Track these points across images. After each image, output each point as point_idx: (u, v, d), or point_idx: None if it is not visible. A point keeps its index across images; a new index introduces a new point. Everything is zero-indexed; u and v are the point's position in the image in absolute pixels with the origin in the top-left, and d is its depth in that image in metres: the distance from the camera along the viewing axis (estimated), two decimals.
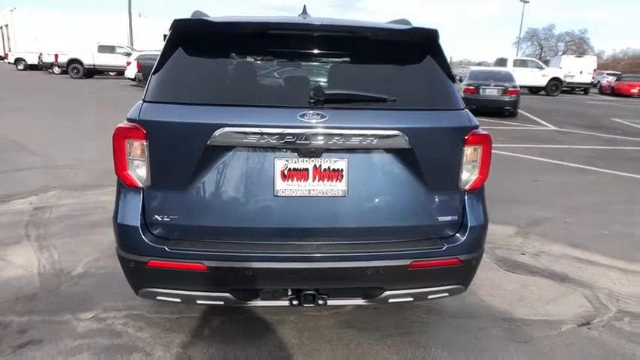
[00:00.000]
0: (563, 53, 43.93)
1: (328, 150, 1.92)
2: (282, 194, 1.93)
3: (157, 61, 2.05)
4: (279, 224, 1.97)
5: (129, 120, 1.93)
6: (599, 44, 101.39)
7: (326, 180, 1.93)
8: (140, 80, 18.29)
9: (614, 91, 27.95)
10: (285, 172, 1.92)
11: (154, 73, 2.00)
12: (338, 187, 1.95)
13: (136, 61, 18.36)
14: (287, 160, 1.93)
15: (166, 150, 1.91)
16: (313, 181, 1.93)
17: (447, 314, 2.81)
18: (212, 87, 1.98)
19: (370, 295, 2.06)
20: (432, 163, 1.99)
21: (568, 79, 25.16)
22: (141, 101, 2.03)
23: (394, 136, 1.91)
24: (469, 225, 2.07)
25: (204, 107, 1.91)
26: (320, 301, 2.00)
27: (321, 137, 1.87)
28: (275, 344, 2.46)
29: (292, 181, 1.92)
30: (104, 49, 23.90)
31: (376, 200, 2.01)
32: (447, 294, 2.15)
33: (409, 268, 1.97)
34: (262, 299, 2.03)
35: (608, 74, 32.93)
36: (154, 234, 1.95)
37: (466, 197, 2.10)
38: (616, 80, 29.29)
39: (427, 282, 2.06)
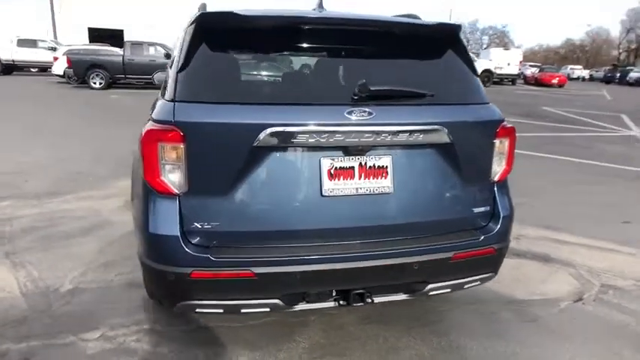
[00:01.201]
0: (488, 46, 46.62)
1: (374, 147, 1.90)
2: (330, 194, 1.89)
3: (180, 56, 1.92)
4: (327, 225, 1.93)
5: (159, 121, 1.79)
6: (517, 38, 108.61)
7: (372, 177, 1.92)
8: (70, 77, 16.95)
9: (537, 82, 30.22)
10: (332, 172, 1.88)
11: (181, 70, 1.86)
12: (383, 184, 1.94)
13: (65, 57, 16.96)
14: (333, 159, 1.88)
15: (206, 153, 1.79)
16: (359, 179, 1.90)
17: (458, 302, 2.90)
18: (251, 85, 1.89)
19: (413, 289, 2.08)
20: (469, 156, 2.04)
21: (498, 71, 26.76)
22: (165, 101, 1.89)
23: (437, 130, 1.93)
24: (501, 215, 2.15)
25: (248, 106, 1.81)
26: (368, 300, 1.99)
27: (368, 134, 1.85)
28: (304, 346, 2.41)
29: (339, 180, 1.88)
30: (24, 43, 21.67)
31: (420, 195, 2.02)
32: (479, 282, 2.23)
33: (452, 260, 2.01)
34: (308, 302, 1.98)
35: (530, 66, 35.49)
36: (194, 243, 1.82)
37: (495, 188, 2.18)
38: (539, 71, 31.69)
39: (466, 272, 2.12)
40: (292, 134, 1.79)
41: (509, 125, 2.14)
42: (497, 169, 2.15)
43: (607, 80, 37.87)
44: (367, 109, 1.85)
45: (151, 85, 17.52)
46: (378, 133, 1.86)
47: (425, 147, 1.98)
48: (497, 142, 2.10)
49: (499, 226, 2.13)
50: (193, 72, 1.87)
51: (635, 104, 18.20)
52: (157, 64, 16.98)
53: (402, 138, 1.90)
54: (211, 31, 1.91)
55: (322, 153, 1.87)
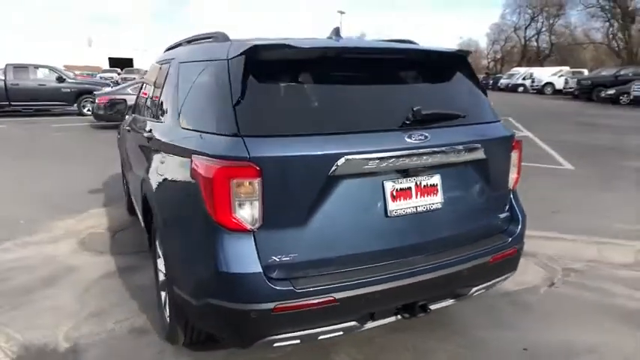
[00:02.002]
0: None
1: (427, 167, 2.05)
2: (394, 214, 1.99)
3: (230, 90, 1.89)
4: (394, 243, 2.02)
5: (229, 158, 1.75)
6: None
7: (425, 195, 2.06)
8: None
9: None
10: (394, 193, 1.98)
11: (237, 104, 1.84)
12: (435, 201, 2.09)
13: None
14: (394, 182, 1.99)
15: (282, 186, 1.79)
16: (416, 198, 2.03)
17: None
18: (315, 115, 1.92)
19: (460, 294, 2.25)
20: (496, 168, 2.29)
21: None
22: (217, 135, 1.84)
23: (477, 148, 2.14)
24: (519, 218, 2.43)
25: (320, 137, 1.85)
26: (428, 310, 2.11)
27: (426, 156, 2.00)
28: None
29: (400, 200, 2.00)
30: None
31: (462, 207, 2.21)
32: (504, 280, 2.47)
33: (490, 263, 2.23)
34: (375, 320, 2.05)
35: None
36: (274, 277, 1.80)
37: (511, 195, 2.46)
38: None
39: (498, 272, 2.35)
40: (363, 161, 1.87)
41: (518, 139, 2.43)
42: (512, 178, 2.43)
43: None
44: (424, 133, 2.00)
45: (43, 113, 15.92)
46: (432, 154, 2.01)
47: (466, 164, 2.18)
48: (512, 154, 2.38)
49: (519, 228, 2.41)
50: (253, 105, 1.85)
51: (514, 108, 20.66)
52: (47, 88, 15.50)
53: (450, 157, 2.08)
54: (267, 63, 1.92)
55: (385, 176, 1.97)
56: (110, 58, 49.99)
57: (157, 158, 2.50)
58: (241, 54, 1.90)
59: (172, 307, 2.31)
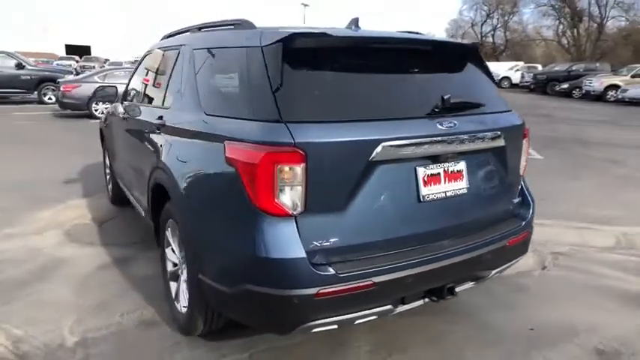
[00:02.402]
0: None
1: (455, 153, 2.10)
2: (426, 199, 2.03)
3: (267, 77, 1.86)
4: (426, 227, 2.06)
5: (274, 144, 1.73)
6: None
7: (452, 181, 2.11)
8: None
9: None
10: (425, 179, 2.02)
11: (276, 91, 1.82)
12: (461, 186, 2.14)
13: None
14: (425, 167, 2.03)
15: (325, 171, 1.78)
16: (445, 183, 2.08)
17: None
18: (352, 102, 1.92)
19: (480, 276, 2.32)
20: (511, 155, 2.37)
21: None
22: (267, 123, 1.80)
23: (498, 136, 2.21)
24: (530, 202, 2.54)
25: (361, 123, 1.86)
26: (455, 293, 2.18)
27: (455, 142, 2.05)
28: (367, 349, 2.49)
29: (431, 186, 2.04)
30: None
31: (484, 192, 2.28)
32: (516, 262, 2.57)
33: (507, 246, 2.31)
34: (405, 303, 2.09)
35: None
36: (316, 262, 1.80)
37: (522, 181, 2.56)
38: None
39: (513, 255, 2.44)
40: (401, 147, 1.90)
41: (527, 127, 2.53)
42: (523, 164, 2.52)
43: None
44: (453, 120, 2.05)
45: (1, 101, 15.00)
46: (461, 140, 2.07)
47: (488, 151, 2.25)
48: (524, 141, 2.47)
49: (530, 212, 2.51)
50: (293, 91, 1.84)
51: None
52: (4, 75, 14.63)
53: (475, 144, 2.14)
54: (303, 51, 1.90)
55: (417, 162, 2.00)
56: (67, 45, 47.82)
57: (173, 145, 2.42)
58: (278, 41, 1.88)
59: (194, 295, 2.26)
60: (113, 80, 12.24)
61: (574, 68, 25.50)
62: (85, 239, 4.01)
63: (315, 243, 1.81)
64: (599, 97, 20.64)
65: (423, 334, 2.66)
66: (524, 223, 2.44)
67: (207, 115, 2.21)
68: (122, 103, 4.09)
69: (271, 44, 1.91)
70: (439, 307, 2.88)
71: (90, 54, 43.35)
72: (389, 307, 1.99)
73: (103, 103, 4.79)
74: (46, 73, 15.82)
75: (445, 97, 2.03)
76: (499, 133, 2.23)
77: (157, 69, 3.13)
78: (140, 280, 3.23)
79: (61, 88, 12.07)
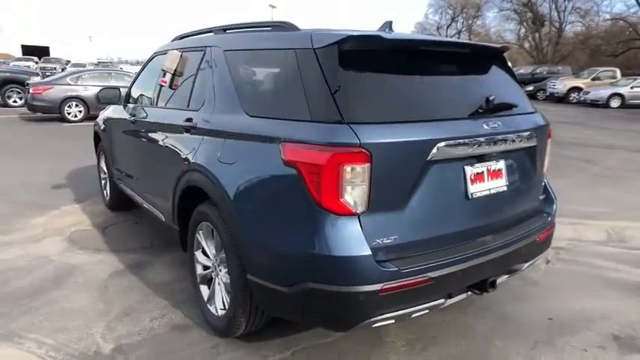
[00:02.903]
0: None
1: (497, 152, 2.20)
2: (473, 197, 2.12)
3: (324, 78, 1.91)
4: (473, 224, 2.16)
5: (339, 145, 1.78)
6: None
7: (494, 179, 2.22)
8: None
9: None
10: (472, 177, 2.12)
11: (335, 92, 1.87)
12: (501, 184, 2.25)
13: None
14: (472, 166, 2.12)
15: (386, 171, 1.84)
16: (488, 181, 2.18)
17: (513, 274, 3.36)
18: (407, 103, 1.99)
19: (514, 269, 2.43)
20: (540, 154, 2.50)
21: None
22: (330, 124, 1.84)
23: (532, 136, 2.34)
24: (553, 199, 2.68)
25: (416, 124, 1.94)
26: (496, 286, 2.28)
27: (499, 142, 2.15)
28: (402, 344, 2.56)
29: (477, 184, 2.14)
30: None
31: (519, 190, 2.39)
32: (542, 256, 2.71)
33: (537, 241, 2.44)
34: (451, 297, 2.17)
35: None
36: (379, 259, 1.86)
37: (545, 178, 2.70)
38: None
39: (541, 249, 2.57)
40: (454, 146, 1.99)
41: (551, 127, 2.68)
42: (547, 162, 2.67)
43: None
44: (498, 121, 2.15)
45: None
46: (504, 140, 2.18)
47: (523, 150, 2.37)
48: (549, 141, 2.61)
49: (554, 207, 2.66)
50: (353, 93, 1.89)
51: None
52: None
53: (514, 143, 2.25)
54: (358, 53, 1.96)
55: (465, 161, 2.10)
56: (23, 46, 45.89)
57: (211, 147, 2.41)
58: (333, 43, 1.92)
59: (238, 297, 2.27)
60: (87, 82, 11.93)
61: (538, 71, 26.59)
62: (91, 246, 3.91)
63: (376, 240, 1.87)
64: (562, 99, 21.62)
65: (451, 328, 2.76)
66: (549, 218, 2.58)
67: (251, 116, 2.23)
68: (125, 106, 4.02)
69: (326, 46, 1.95)
70: (462, 302, 3.00)
71: (49, 55, 41.82)
72: (441, 300, 2.07)
73: (104, 105, 4.65)
74: (9, 74, 15.18)
75: (490, 98, 2.14)
76: (533, 133, 2.36)
77: (175, 70, 3.10)
78: (160, 285, 3.20)
79: (31, 91, 11.61)
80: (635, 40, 33.73)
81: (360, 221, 1.85)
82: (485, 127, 2.12)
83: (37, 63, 32.45)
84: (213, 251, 2.57)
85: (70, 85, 11.77)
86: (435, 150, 1.93)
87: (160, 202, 3.17)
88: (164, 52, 3.50)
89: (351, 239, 1.82)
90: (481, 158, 2.15)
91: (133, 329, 2.65)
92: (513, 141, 2.24)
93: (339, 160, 1.77)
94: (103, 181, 5.02)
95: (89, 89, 11.81)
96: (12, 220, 4.46)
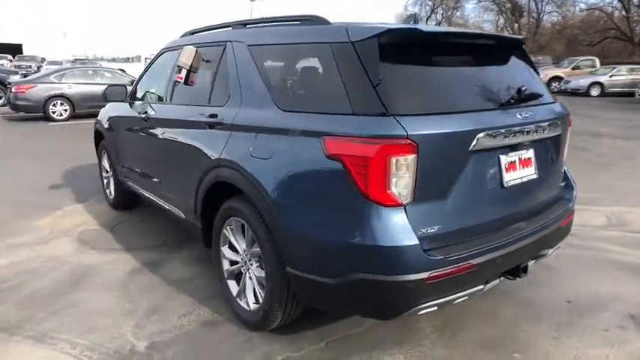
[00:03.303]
0: None
1: (528, 141, 2.26)
2: (508, 185, 2.18)
3: (365, 72, 1.93)
4: (509, 211, 2.23)
5: (387, 137, 1.80)
6: None
7: (525, 167, 2.27)
8: None
9: None
10: (506, 166, 2.17)
11: (377, 85, 1.89)
12: (531, 172, 2.31)
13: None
14: (506, 155, 2.17)
15: (431, 162, 1.88)
16: (519, 169, 2.24)
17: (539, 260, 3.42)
18: (447, 94, 2.02)
19: (541, 255, 2.50)
20: (562, 142, 2.57)
21: None
22: (374, 117, 1.86)
23: (558, 125, 2.41)
24: (573, 185, 2.76)
25: (456, 115, 1.98)
26: (527, 271, 2.34)
27: (532, 132, 2.21)
28: (432, 330, 2.62)
29: (511, 172, 2.19)
30: None
31: (546, 177, 2.46)
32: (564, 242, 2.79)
33: (562, 226, 2.52)
34: (488, 283, 2.22)
35: None
36: (425, 248, 1.90)
37: (565, 165, 2.78)
38: None
39: (564, 235, 2.64)
40: (494, 136, 2.04)
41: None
42: (566, 150, 2.75)
43: None
44: (529, 111, 2.21)
45: None
46: (535, 129, 2.24)
47: (549, 138, 2.43)
48: (569, 129, 2.69)
49: (574, 194, 2.74)
50: (395, 85, 1.92)
51: None
52: None
53: (543, 132, 2.31)
54: (397, 45, 1.98)
55: (500, 151, 2.15)
56: None
57: (242, 142, 2.40)
58: (372, 37, 1.94)
59: (275, 290, 2.29)
60: (72, 80, 11.68)
61: None
62: (103, 245, 3.87)
63: (421, 230, 1.91)
64: None
65: (477, 313, 2.82)
66: (570, 204, 2.66)
67: (285, 111, 2.24)
68: (132, 104, 3.96)
69: (364, 39, 1.97)
70: (490, 290, 3.07)
71: (22, 52, 40.63)
72: (481, 286, 2.13)
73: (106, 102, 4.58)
74: None
75: (522, 88, 2.19)
76: (559, 121, 2.43)
77: (191, 66, 3.08)
78: (181, 283, 3.19)
79: (14, 90, 11.32)
80: (611, 29, 34.56)
81: (406, 211, 1.88)
82: (519, 116, 2.17)
83: (10, 61, 31.55)
84: (244, 246, 2.58)
85: (54, 83, 11.50)
86: (475, 140, 1.97)
87: (180, 199, 3.15)
88: (175, 48, 3.46)
89: (399, 230, 1.85)
90: (514, 147, 2.20)
91: (163, 327, 2.64)
92: (543, 130, 2.30)
93: (387, 152, 1.80)
94: (105, 180, 4.95)
95: (74, 87, 11.58)
96: (15, 222, 4.37)
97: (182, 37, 3.58)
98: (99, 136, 4.79)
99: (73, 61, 32.22)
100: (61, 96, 11.49)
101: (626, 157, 7.79)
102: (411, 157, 1.83)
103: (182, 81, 3.11)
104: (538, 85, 2.52)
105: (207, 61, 3.00)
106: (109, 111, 4.50)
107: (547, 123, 2.34)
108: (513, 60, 2.50)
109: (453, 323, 2.71)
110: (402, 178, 1.84)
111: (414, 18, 2.53)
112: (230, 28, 2.96)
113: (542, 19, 41.25)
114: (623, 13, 34.70)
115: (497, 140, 2.07)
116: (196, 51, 3.09)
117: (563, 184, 2.74)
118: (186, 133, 2.99)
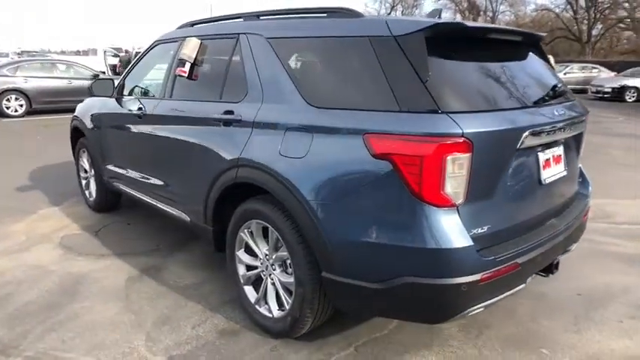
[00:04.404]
0: None
1: (560, 139, 2.25)
2: (546, 182, 2.16)
3: (412, 67, 1.84)
4: (545, 208, 2.21)
5: (443, 135, 1.72)
6: None
7: (557, 164, 2.26)
8: None
9: None
10: (543, 163, 2.15)
11: (426, 81, 1.81)
12: (562, 168, 2.31)
13: None
14: (543, 153, 2.15)
15: (483, 161, 1.81)
16: (553, 166, 2.23)
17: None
18: (494, 91, 1.97)
19: (567, 251, 2.51)
20: (583, 139, 2.59)
21: None
22: (425, 114, 1.78)
23: (583, 121, 2.42)
24: (588, 181, 2.80)
25: (504, 112, 1.93)
26: (558, 267, 2.34)
27: (567, 129, 2.21)
28: (458, 330, 2.59)
29: (547, 169, 2.17)
30: None
31: (571, 174, 2.47)
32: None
33: (583, 222, 2.55)
34: (526, 280, 2.20)
35: None
36: (478, 248, 1.84)
37: (580, 162, 2.81)
38: None
39: (583, 229, 2.67)
40: (537, 134, 2.00)
41: None
42: (583, 147, 2.78)
43: None
44: (562, 108, 2.20)
45: None
46: (569, 127, 2.23)
47: (575, 135, 2.43)
48: (586, 126, 2.71)
49: (590, 190, 2.77)
50: (444, 82, 1.85)
51: None
52: None
53: (573, 130, 2.32)
54: (443, 41, 1.91)
55: (537, 148, 2.12)
56: None
57: (269, 140, 2.25)
58: (419, 31, 1.86)
59: (307, 295, 2.17)
60: (28, 74, 10.97)
61: None
62: (91, 251, 3.60)
63: (473, 231, 1.85)
64: None
65: (497, 311, 2.81)
66: (588, 199, 2.70)
67: (317, 107, 2.12)
68: (119, 99, 3.71)
69: (410, 34, 1.88)
70: None
71: None
72: (523, 285, 2.10)
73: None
74: None
75: (558, 85, 2.18)
76: (583, 118, 2.44)
77: (195, 59, 2.89)
78: (186, 289, 3.01)
79: None
80: (561, 29, 36.22)
81: (459, 212, 1.82)
82: (556, 113, 2.15)
83: None
84: (265, 250, 2.45)
85: (7, 76, 10.74)
86: (523, 138, 1.93)
87: (186, 201, 2.96)
88: (172, 40, 3.25)
89: (454, 231, 1.79)
90: (548, 145, 2.19)
91: (178, 338, 2.47)
92: (573, 127, 2.30)
93: (443, 151, 1.72)
94: (84, 181, 4.63)
95: (30, 81, 10.85)
96: None
97: (179, 28, 3.36)
98: (77, 133, 4.46)
99: (19, 54, 30.37)
100: (16, 90, 10.74)
101: (596, 151, 8.13)
102: (466, 155, 1.76)
103: (186, 75, 2.92)
104: (561, 83, 2.52)
105: (214, 55, 2.82)
106: (90, 106, 4.19)
107: (577, 120, 2.34)
108: (539, 57, 2.49)
109: (476, 322, 2.68)
110: (456, 178, 1.77)
111: (439, 13, 2.47)
112: (241, 20, 2.79)
113: (497, 18, 42.67)
114: (571, 13, 36.50)
115: (540, 138, 2.05)
116: (201, 43, 2.91)
117: (580, 179, 2.77)
118: (194, 131, 2.80)
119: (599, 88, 18.12)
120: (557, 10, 37.68)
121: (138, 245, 3.72)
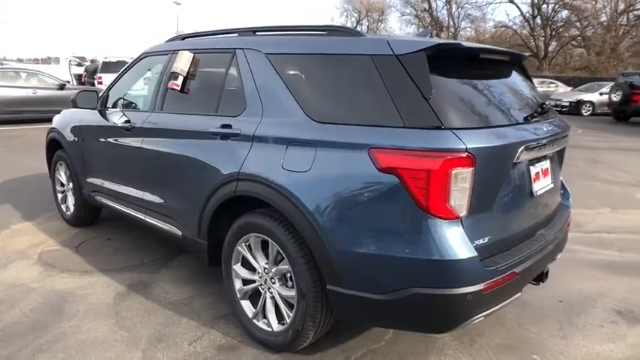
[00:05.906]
0: None
1: (551, 152, 2.39)
2: (537, 194, 2.28)
3: (415, 85, 1.92)
4: (536, 219, 2.33)
5: (448, 150, 1.80)
6: None
7: (544, 177, 2.39)
8: None
9: None
10: (533, 176, 2.27)
11: (430, 98, 1.89)
12: (549, 181, 2.44)
13: None
14: (533, 166, 2.27)
15: (484, 174, 1.90)
16: (541, 179, 2.35)
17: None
18: (491, 108, 2.06)
19: (553, 260, 2.63)
20: (564, 152, 2.75)
21: None
22: (430, 130, 1.85)
23: (566, 136, 2.56)
24: (569, 192, 2.95)
25: (502, 129, 2.03)
26: (547, 275, 2.45)
27: (555, 144, 2.35)
28: (452, 339, 2.66)
29: (537, 182, 2.29)
30: None
31: (556, 186, 2.61)
32: None
33: (566, 231, 2.69)
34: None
35: None
36: (480, 259, 1.92)
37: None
38: None
39: (566, 239, 2.81)
40: (532, 149, 2.12)
41: None
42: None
43: None
44: (550, 124, 2.33)
45: None
46: (557, 141, 2.37)
47: (561, 149, 2.58)
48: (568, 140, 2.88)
49: (570, 200, 2.93)
50: (446, 99, 1.93)
51: None
52: None
53: (559, 144, 2.46)
54: (444, 60, 2.00)
55: (529, 162, 2.23)
56: None
57: (270, 154, 2.28)
58: (420, 50, 1.94)
59: (309, 308, 2.19)
60: (3, 82, 10.54)
61: None
62: (73, 267, 3.49)
63: (476, 242, 1.93)
64: None
65: (487, 319, 2.84)
66: (569, 210, 2.85)
67: (320, 122, 2.17)
68: (103, 111, 3.64)
69: (412, 53, 1.96)
70: None
71: None
72: (519, 294, 2.19)
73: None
74: None
75: (546, 102, 2.32)
76: (567, 133, 2.59)
77: (188, 73, 2.89)
78: (178, 305, 2.96)
79: None
80: (519, 45, 37.80)
81: (462, 224, 1.90)
82: (545, 129, 2.28)
83: None
84: (264, 264, 2.45)
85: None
86: (519, 152, 2.04)
87: (179, 215, 2.92)
88: (162, 53, 3.23)
89: (459, 242, 1.86)
90: (538, 159, 2.32)
91: (176, 355, 2.43)
92: (558, 142, 2.45)
93: (449, 166, 1.80)
94: (60, 195, 4.48)
95: None
96: None
97: (169, 41, 3.35)
98: (55, 145, 4.32)
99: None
100: None
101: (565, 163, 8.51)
102: (469, 170, 1.85)
103: (178, 88, 2.90)
104: (543, 100, 2.67)
105: (209, 68, 2.83)
106: (70, 118, 4.08)
107: (561, 135, 2.49)
108: (523, 75, 2.64)
109: (468, 330, 2.76)
110: (460, 192, 1.85)
111: (430, 33, 2.58)
112: (236, 35, 2.81)
113: (459, 34, 44.16)
114: (529, 30, 38.24)
115: (533, 153, 2.17)
116: (194, 57, 2.91)
117: (562, 191, 2.93)
118: (187, 144, 2.78)
119: (557, 102, 18.99)
120: (514, 27, 39.39)
121: (121, 260, 3.63)
